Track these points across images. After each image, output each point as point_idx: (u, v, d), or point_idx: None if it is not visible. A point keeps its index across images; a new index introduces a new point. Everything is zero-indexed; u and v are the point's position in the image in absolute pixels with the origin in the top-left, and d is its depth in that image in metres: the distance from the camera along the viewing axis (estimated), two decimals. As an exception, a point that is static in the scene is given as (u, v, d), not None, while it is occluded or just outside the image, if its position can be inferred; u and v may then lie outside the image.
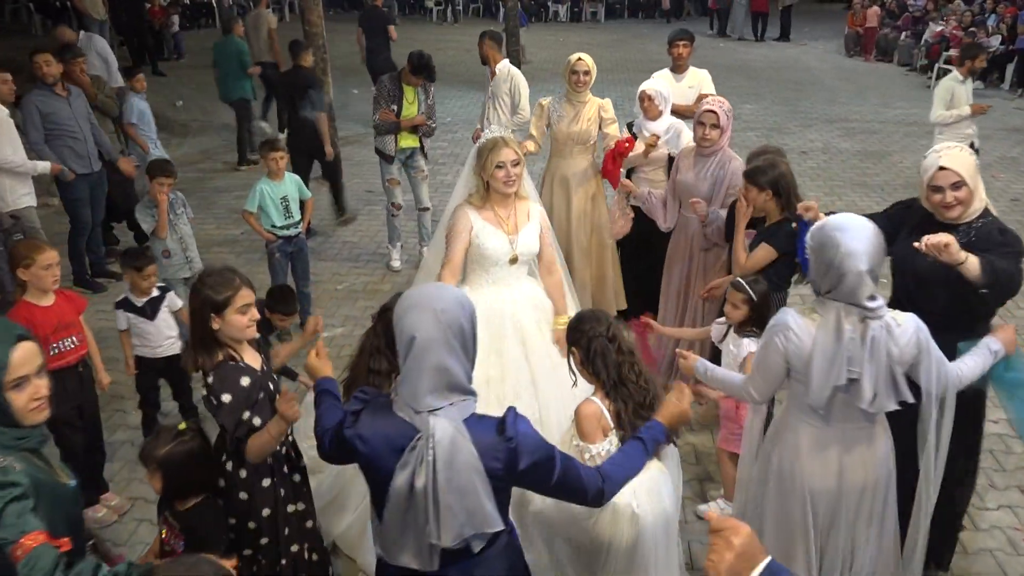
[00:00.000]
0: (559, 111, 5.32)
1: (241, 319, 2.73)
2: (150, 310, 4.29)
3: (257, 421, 2.72)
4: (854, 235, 2.45)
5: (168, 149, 10.54)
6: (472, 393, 2.05)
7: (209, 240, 7.35)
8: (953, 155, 3.01)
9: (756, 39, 20.19)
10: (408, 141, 6.46)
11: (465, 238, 3.56)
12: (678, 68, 6.04)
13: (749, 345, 3.53)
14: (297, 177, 5.62)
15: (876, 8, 18.00)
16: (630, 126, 5.37)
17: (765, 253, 3.83)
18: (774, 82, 14.76)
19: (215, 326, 2.70)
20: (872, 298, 2.47)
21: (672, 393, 2.45)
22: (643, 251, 5.24)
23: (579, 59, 5.26)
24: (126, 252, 4.31)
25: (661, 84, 5.19)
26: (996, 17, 15.54)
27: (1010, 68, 14.18)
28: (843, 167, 9.59)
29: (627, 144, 5.11)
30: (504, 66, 6.50)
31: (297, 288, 5.74)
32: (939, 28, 15.80)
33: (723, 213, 4.40)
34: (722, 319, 3.75)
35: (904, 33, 17.39)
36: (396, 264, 6.92)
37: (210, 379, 2.71)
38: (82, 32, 8.75)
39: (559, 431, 3.26)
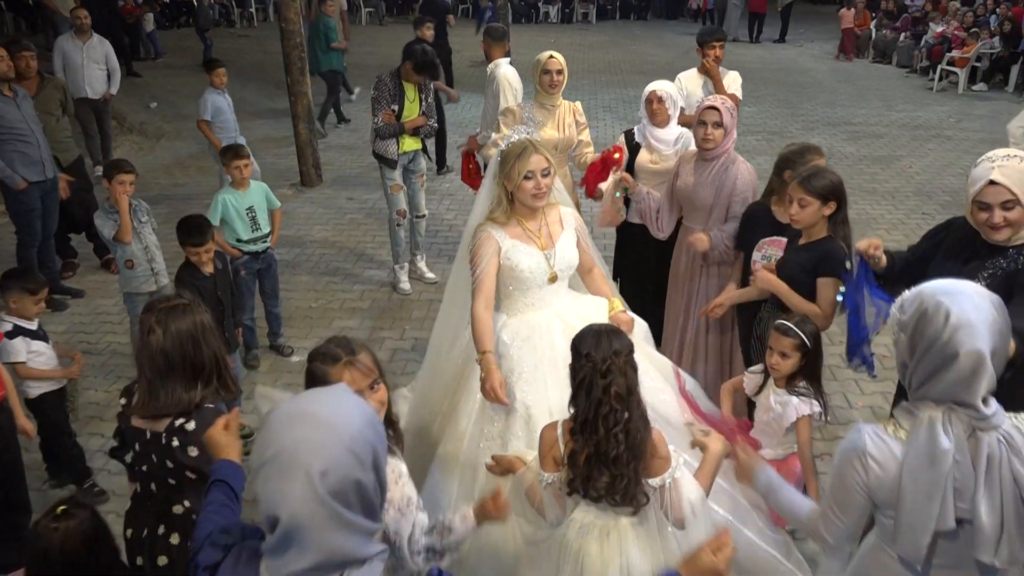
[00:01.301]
0: (534, 118, 4.77)
1: None
2: (43, 332, 3.76)
3: None
4: (967, 301, 1.78)
5: (138, 154, 10.09)
6: (378, 552, 1.38)
7: (176, 254, 6.78)
8: (1010, 167, 2.53)
9: (751, 40, 19.77)
10: (410, 144, 5.93)
11: (494, 262, 3.09)
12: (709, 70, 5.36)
13: (800, 407, 2.97)
14: (264, 185, 5.10)
15: (851, 10, 17.77)
16: (629, 135, 4.71)
17: (830, 289, 3.23)
18: (772, 84, 14.32)
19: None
20: (986, 401, 1.79)
21: (710, 543, 1.88)
22: (645, 272, 4.62)
23: (551, 57, 4.71)
24: (6, 274, 3.74)
25: (670, 85, 4.50)
26: (996, 18, 15.15)
27: (1014, 70, 13.79)
28: (850, 172, 9.11)
29: (617, 155, 4.58)
30: (492, 66, 5.97)
31: (265, 308, 5.25)
32: (940, 29, 15.40)
33: (728, 231, 3.91)
34: (757, 368, 3.20)
35: (903, 34, 17.00)
36: (406, 287, 6.25)
37: (191, 425, 2.29)
38: (95, 35, 8.48)
39: None
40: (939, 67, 14.21)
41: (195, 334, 2.30)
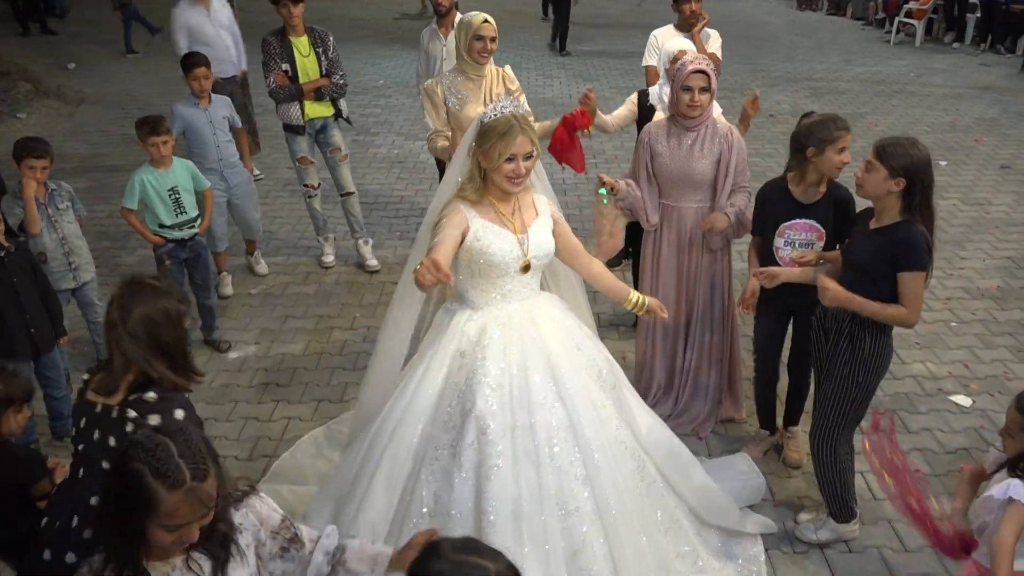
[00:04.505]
0: (457, 92, 4.20)
1: None
2: None
3: None
4: None
5: (56, 121, 9.26)
6: None
7: (100, 232, 6.16)
8: None
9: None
10: (317, 110, 5.26)
11: (456, 238, 2.68)
12: (689, 25, 4.89)
13: (1017, 488, 2.30)
14: (189, 163, 4.49)
15: None
16: (643, 96, 4.29)
17: (918, 283, 2.84)
18: (728, 38, 13.69)
19: None
20: None
21: None
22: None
23: (485, 21, 4.10)
24: None
25: (691, 44, 4.04)
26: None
27: (971, 20, 13.56)
28: (816, 132, 8.76)
29: (583, 117, 4.09)
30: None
31: (197, 301, 4.68)
32: (896, -21, 15.09)
33: (739, 204, 3.57)
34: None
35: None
36: (329, 259, 5.79)
37: (150, 395, 2.13)
38: None
39: (612, 483, 2.73)
40: (896, 19, 13.93)
41: (176, 317, 2.21)
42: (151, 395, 2.13)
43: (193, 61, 4.95)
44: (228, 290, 5.41)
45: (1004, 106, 9.75)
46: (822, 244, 3.32)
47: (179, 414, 2.14)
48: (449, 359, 2.78)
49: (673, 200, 3.70)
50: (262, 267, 5.61)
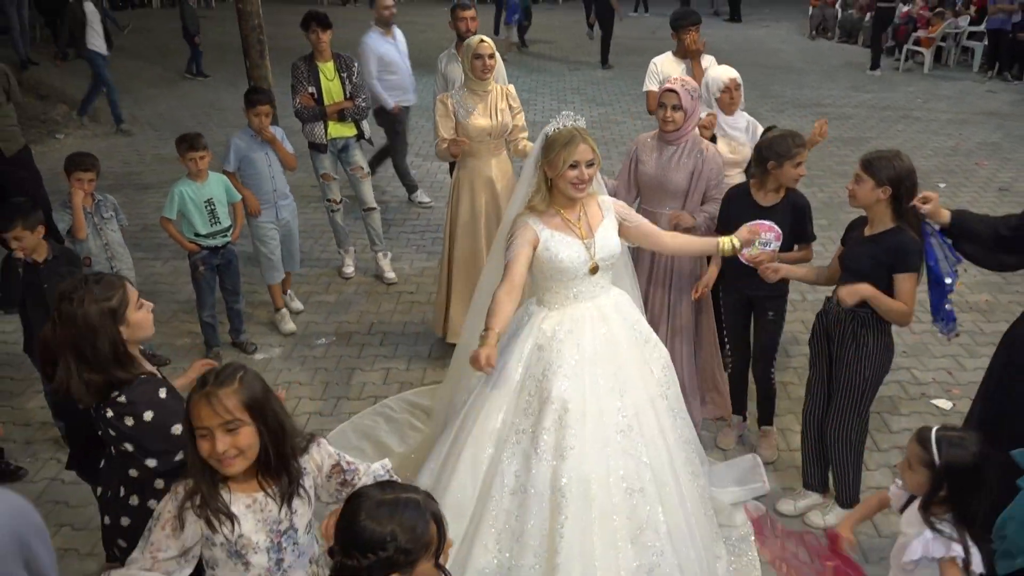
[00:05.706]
0: (465, 105, 4.60)
1: (143, 315, 2.41)
2: None
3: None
4: None
5: (92, 141, 9.72)
6: None
7: (134, 244, 6.51)
8: None
9: (731, 19, 19.56)
10: (340, 130, 5.67)
11: (526, 251, 2.98)
12: (690, 55, 5.15)
13: (934, 546, 2.32)
14: (223, 177, 4.86)
15: None
16: None
17: (912, 283, 3.15)
18: (739, 65, 13.89)
19: (125, 335, 2.34)
20: None
21: None
22: None
23: (482, 42, 4.56)
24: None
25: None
26: (960, -2, 15.18)
27: (979, 49, 13.84)
28: (821, 155, 9.05)
29: None
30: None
31: (227, 305, 5.03)
32: (906, 8, 15.40)
33: (710, 212, 3.87)
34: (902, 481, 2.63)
35: (868, 14, 16.98)
36: (349, 271, 6.17)
37: (122, 398, 2.29)
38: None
39: (671, 468, 3.00)
40: (905, 47, 14.22)
41: (97, 322, 2.27)
42: (122, 399, 2.29)
43: (258, 98, 4.97)
44: (289, 326, 5.35)
45: (1007, 131, 10.00)
46: (779, 244, 3.62)
47: (148, 416, 2.29)
48: (528, 353, 3.04)
49: (650, 205, 4.01)
50: (296, 304, 5.60)
